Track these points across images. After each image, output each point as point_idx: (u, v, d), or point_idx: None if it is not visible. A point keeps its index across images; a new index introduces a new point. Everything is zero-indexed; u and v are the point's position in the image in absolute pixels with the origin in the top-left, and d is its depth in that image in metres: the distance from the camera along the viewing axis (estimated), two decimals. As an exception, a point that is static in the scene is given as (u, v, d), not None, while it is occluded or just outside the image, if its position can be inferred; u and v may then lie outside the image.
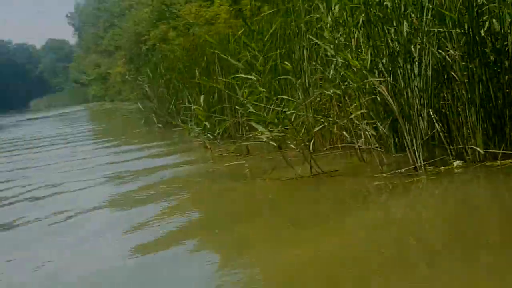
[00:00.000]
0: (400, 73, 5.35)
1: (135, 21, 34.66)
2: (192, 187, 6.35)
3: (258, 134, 5.88)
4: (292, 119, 6.05)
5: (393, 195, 4.80)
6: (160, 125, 14.46)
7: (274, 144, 5.92)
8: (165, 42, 24.63)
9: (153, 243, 4.28)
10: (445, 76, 5.30)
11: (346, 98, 6.09)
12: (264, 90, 6.30)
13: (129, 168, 8.12)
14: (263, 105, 6.19)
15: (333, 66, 6.16)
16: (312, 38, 6.50)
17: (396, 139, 5.72)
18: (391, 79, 5.46)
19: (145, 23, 31.58)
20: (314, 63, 6.98)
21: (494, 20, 5.09)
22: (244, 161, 7.00)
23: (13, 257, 4.49)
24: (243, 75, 6.34)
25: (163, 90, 14.09)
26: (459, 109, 5.12)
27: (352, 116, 5.82)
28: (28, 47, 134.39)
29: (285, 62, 7.37)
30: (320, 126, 6.12)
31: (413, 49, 5.35)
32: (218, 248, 4.10)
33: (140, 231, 4.69)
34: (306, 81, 7.10)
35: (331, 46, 5.89)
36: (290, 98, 6.37)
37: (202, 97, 7.48)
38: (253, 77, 6.14)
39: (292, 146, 5.89)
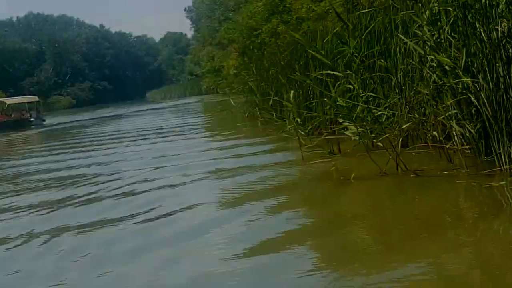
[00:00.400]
0: (491, 74, 5.22)
1: (249, 15, 35.03)
2: (283, 188, 6.27)
3: (344, 131, 5.87)
4: (383, 119, 6.01)
5: (475, 198, 4.71)
6: (262, 119, 14.59)
7: (357, 139, 5.88)
8: (275, 37, 24.81)
9: (256, 246, 4.28)
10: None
11: (444, 96, 5.97)
12: (357, 86, 6.28)
13: (226, 165, 8.24)
14: (352, 102, 6.17)
15: (428, 65, 6.07)
16: (402, 36, 6.41)
17: (487, 141, 5.57)
18: (484, 80, 5.33)
19: (258, 16, 31.84)
20: (410, 61, 6.89)
21: None
22: (332, 160, 6.92)
23: (110, 252, 4.70)
24: (330, 71, 6.32)
25: (266, 84, 14.20)
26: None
27: (443, 116, 5.72)
28: (148, 39, 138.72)
29: (381, 60, 7.33)
30: (408, 124, 6.03)
31: (510, 50, 5.21)
32: (319, 254, 4.09)
33: (239, 231, 4.75)
34: (401, 79, 7.03)
35: (422, 45, 5.80)
36: (377, 96, 6.31)
37: (292, 93, 7.52)
38: (339, 74, 6.13)
39: (380, 144, 5.85)
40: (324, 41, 7.88)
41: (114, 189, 7.44)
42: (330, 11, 18.76)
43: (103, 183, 8.10)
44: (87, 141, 18.05)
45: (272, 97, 11.80)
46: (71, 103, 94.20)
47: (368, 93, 6.17)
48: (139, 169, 8.95)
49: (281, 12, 27.59)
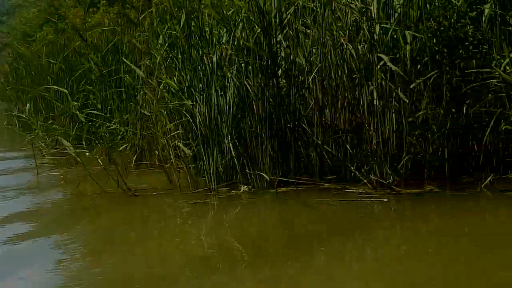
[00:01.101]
0: (207, 99, 5.59)
1: (22, 20, 33.77)
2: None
3: (67, 149, 5.87)
4: (118, 136, 6.12)
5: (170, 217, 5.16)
6: (21, 128, 14.04)
7: (79, 159, 5.92)
8: (50, 45, 24.13)
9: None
10: (248, 106, 5.55)
11: (173, 117, 6.21)
12: (95, 101, 6.35)
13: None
14: (90, 118, 6.22)
15: (161, 86, 6.31)
16: (124, 59, 6.60)
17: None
18: (202, 103, 5.66)
19: (33, 22, 30.79)
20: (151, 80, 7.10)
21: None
22: (61, 173, 6.82)
23: None
24: (55, 87, 6.33)
25: (22, 93, 13.80)
26: (253, 138, 5.40)
27: (163, 137, 5.96)
28: None
29: (127, 76, 7.47)
30: (126, 145, 6.20)
31: (228, 76, 5.62)
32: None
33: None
34: (140, 98, 7.20)
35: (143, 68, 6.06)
36: (98, 112, 6.42)
37: (28, 105, 7.37)
38: (64, 90, 6.15)
39: (100, 162, 5.92)
40: (65, 55, 7.84)
41: None
42: (101, 22, 18.78)
43: None
44: None
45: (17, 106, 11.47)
46: None
47: (89, 110, 6.24)
48: None
49: (57, 20, 26.89)
